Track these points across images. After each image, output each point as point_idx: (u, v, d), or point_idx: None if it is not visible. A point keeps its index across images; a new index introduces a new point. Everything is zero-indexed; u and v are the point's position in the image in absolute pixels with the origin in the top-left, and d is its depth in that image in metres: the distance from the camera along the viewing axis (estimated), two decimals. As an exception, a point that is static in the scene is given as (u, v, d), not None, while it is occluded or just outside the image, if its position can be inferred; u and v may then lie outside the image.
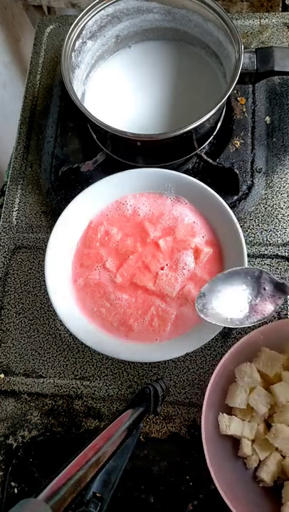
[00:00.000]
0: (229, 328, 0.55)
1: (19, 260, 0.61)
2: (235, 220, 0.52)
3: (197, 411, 0.53)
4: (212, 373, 0.47)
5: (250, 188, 0.60)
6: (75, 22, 0.57)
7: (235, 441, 0.49)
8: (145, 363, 0.55)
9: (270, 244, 0.58)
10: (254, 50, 0.55)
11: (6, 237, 0.62)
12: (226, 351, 0.47)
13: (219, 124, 0.62)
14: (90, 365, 0.56)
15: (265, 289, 0.46)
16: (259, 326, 0.48)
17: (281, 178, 0.61)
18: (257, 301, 0.46)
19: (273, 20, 0.69)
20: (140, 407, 0.43)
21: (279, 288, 0.47)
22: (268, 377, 0.49)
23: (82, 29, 0.57)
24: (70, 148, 0.64)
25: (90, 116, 0.53)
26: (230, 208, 0.53)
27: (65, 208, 0.54)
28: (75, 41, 0.57)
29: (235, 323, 0.46)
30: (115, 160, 0.61)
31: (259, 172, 0.61)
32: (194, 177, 0.54)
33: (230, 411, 0.49)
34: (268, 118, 0.63)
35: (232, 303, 0.46)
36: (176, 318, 0.52)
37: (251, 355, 0.50)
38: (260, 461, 0.48)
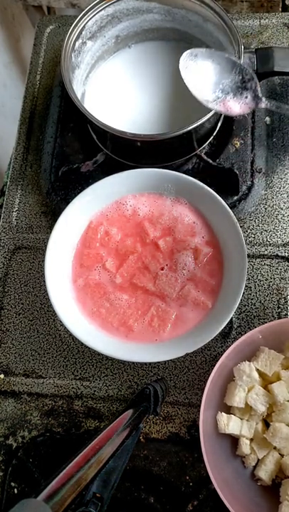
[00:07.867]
0: (229, 327, 0.55)
1: (19, 260, 0.61)
2: (235, 221, 0.52)
3: (197, 411, 0.53)
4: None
5: (250, 188, 0.60)
6: (75, 22, 0.57)
7: (233, 440, 0.49)
8: (145, 363, 0.55)
9: (270, 244, 0.58)
10: (254, 50, 0.55)
11: (6, 237, 0.62)
12: (226, 351, 0.47)
13: (219, 125, 0.62)
14: (90, 365, 0.56)
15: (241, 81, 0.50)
16: (258, 326, 0.48)
17: (281, 178, 0.61)
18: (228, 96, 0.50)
19: (273, 21, 0.69)
20: (140, 408, 0.43)
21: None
22: (266, 376, 0.49)
23: (82, 29, 0.58)
24: (70, 149, 0.64)
25: (90, 117, 0.53)
26: (230, 208, 0.53)
27: (65, 208, 0.54)
28: (74, 41, 0.57)
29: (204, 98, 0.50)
30: (115, 160, 0.61)
31: (259, 172, 0.61)
32: (194, 177, 0.54)
33: (228, 410, 0.49)
34: (267, 118, 0.63)
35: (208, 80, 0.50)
36: (176, 318, 0.52)
37: (250, 354, 0.50)
38: (258, 460, 0.48)
